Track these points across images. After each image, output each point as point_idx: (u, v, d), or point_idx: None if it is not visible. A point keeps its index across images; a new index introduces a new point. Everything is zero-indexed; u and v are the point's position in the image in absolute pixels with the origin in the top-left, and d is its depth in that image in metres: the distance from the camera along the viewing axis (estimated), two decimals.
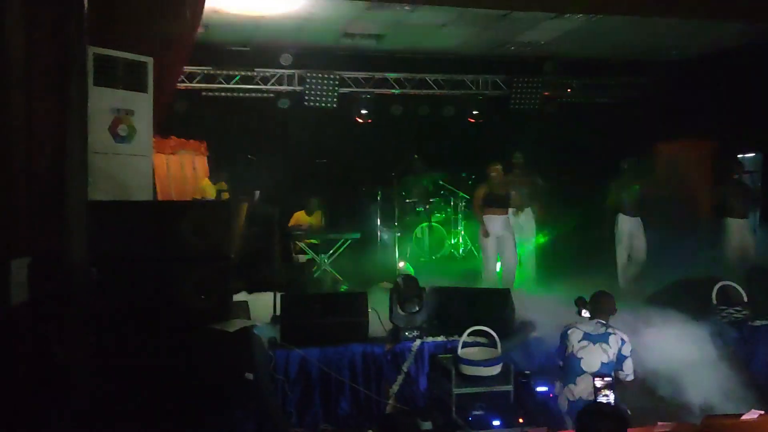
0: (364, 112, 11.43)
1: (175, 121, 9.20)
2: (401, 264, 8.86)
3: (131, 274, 4.75)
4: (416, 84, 11.45)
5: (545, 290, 7.67)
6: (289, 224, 9.77)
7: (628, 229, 8.76)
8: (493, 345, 5.65)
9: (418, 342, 6.03)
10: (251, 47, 10.43)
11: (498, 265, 8.64)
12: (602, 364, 5.08)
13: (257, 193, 9.48)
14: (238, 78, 10.71)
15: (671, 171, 11.16)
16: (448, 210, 11.22)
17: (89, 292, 4.32)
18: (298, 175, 10.76)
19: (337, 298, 6.34)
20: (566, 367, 5.24)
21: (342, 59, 10.79)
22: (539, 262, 9.63)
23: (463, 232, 11.11)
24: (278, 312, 6.17)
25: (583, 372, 5.11)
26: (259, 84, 10.89)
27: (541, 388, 5.66)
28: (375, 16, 8.74)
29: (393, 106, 11.61)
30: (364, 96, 11.30)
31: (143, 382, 4.38)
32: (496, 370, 5.54)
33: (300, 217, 9.96)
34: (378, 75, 11.25)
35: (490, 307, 6.36)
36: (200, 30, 7.37)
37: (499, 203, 8.49)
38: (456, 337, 5.82)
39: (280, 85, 10.94)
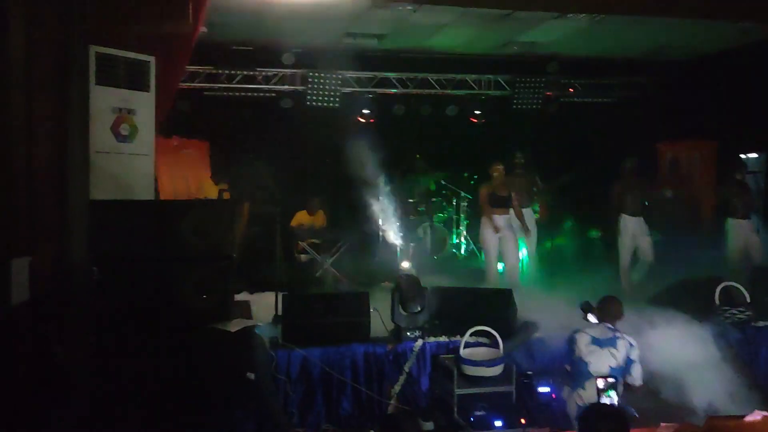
0: (366, 111, 11.42)
1: (178, 120, 9.19)
2: (405, 264, 8.84)
3: (132, 274, 4.75)
4: (418, 84, 11.43)
5: (547, 291, 7.65)
6: (291, 224, 9.77)
7: (631, 229, 8.74)
8: (495, 345, 5.65)
9: (419, 342, 6.02)
10: (254, 47, 10.42)
11: (500, 265, 8.64)
12: (610, 368, 5.03)
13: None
14: (240, 77, 10.71)
15: (673, 171, 11.16)
16: (450, 210, 11.20)
17: (90, 292, 4.32)
18: (300, 175, 10.75)
19: (338, 298, 6.32)
20: (574, 372, 5.18)
21: (344, 59, 10.77)
22: (541, 262, 9.61)
23: (465, 232, 11.10)
24: (280, 312, 6.16)
25: (591, 376, 5.04)
26: (261, 84, 10.88)
27: (543, 389, 5.65)
28: (377, 16, 8.72)
29: (395, 106, 11.60)
30: (366, 96, 11.29)
31: (144, 382, 4.38)
32: (498, 370, 5.54)
33: (302, 217, 9.96)
34: (380, 75, 11.24)
35: (492, 307, 6.36)
36: (203, 29, 7.36)
37: (500, 203, 8.47)
38: (458, 338, 5.82)
39: (283, 84, 10.93)
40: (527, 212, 9.19)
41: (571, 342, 5.24)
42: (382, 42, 10.08)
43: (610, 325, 5.24)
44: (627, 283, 8.59)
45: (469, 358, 5.56)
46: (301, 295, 6.54)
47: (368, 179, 10.64)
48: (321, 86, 10.75)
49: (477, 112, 11.95)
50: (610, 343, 5.12)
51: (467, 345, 5.66)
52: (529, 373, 5.77)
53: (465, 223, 11.12)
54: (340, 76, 10.86)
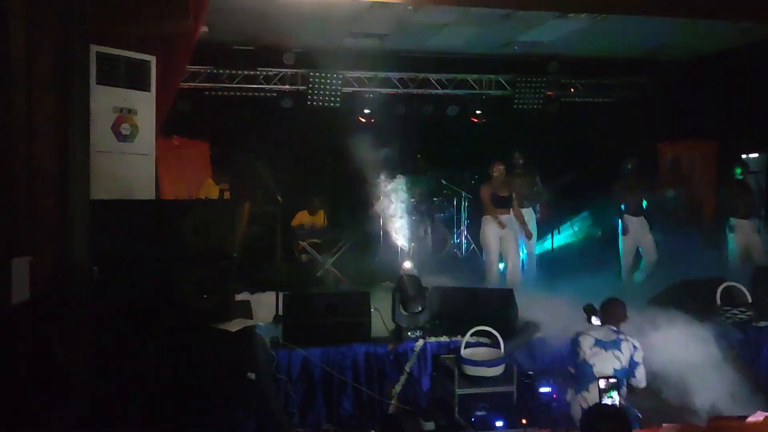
0: (367, 111, 11.41)
1: (178, 120, 9.19)
2: (407, 264, 8.84)
3: (132, 274, 4.74)
4: (419, 83, 11.43)
5: (548, 291, 7.63)
6: (292, 224, 9.76)
7: (632, 229, 8.73)
8: (496, 345, 5.64)
9: (420, 342, 6.01)
10: (255, 46, 10.42)
11: (501, 265, 8.63)
12: (615, 370, 4.99)
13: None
14: (241, 77, 10.70)
15: (674, 171, 11.16)
16: (451, 209, 11.19)
17: (90, 292, 4.32)
18: (301, 175, 10.74)
19: (339, 298, 6.31)
20: (578, 374, 5.14)
21: (345, 59, 10.77)
22: (542, 262, 9.60)
23: (465, 232, 11.09)
24: (280, 312, 6.15)
25: (596, 378, 5.01)
26: (262, 83, 10.88)
27: (544, 389, 5.63)
28: (378, 16, 8.71)
29: (396, 106, 11.60)
30: (367, 95, 11.29)
31: (144, 382, 4.37)
32: (499, 370, 5.53)
33: (303, 217, 9.96)
34: (381, 74, 11.24)
35: (493, 307, 6.35)
36: (203, 29, 7.35)
37: (501, 203, 8.46)
38: (459, 338, 5.82)
39: (284, 84, 10.93)
40: (528, 212, 9.18)
41: (575, 344, 5.20)
42: (383, 42, 10.07)
43: (613, 328, 5.21)
44: (628, 283, 8.58)
45: (470, 358, 5.55)
46: (301, 295, 6.53)
47: (369, 179, 10.64)
48: (322, 86, 10.75)
49: (478, 111, 11.95)
50: (614, 345, 5.08)
51: (468, 345, 5.65)
52: (530, 373, 5.76)
53: (466, 222, 11.11)
54: (340, 76, 10.85)
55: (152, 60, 5.71)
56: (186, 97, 10.11)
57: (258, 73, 10.78)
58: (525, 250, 9.10)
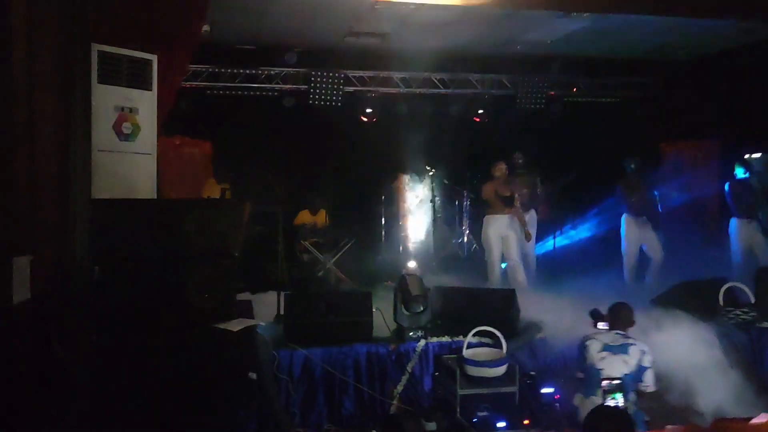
0: (369, 110, 11.39)
1: (180, 119, 9.17)
2: (410, 264, 8.82)
3: (134, 273, 4.72)
4: (421, 83, 11.40)
5: (550, 291, 7.62)
6: (294, 223, 9.75)
7: (635, 229, 8.71)
8: (498, 345, 5.63)
9: (422, 342, 6.00)
10: (256, 45, 10.39)
11: (503, 265, 8.61)
12: (623, 375, 4.95)
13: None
14: (242, 76, 10.70)
15: (677, 171, 11.13)
16: (453, 209, 11.18)
17: (91, 291, 4.31)
18: (303, 174, 10.72)
19: (341, 298, 6.30)
20: (587, 379, 5.10)
21: (347, 58, 10.75)
22: (544, 262, 9.58)
23: (467, 232, 11.07)
24: (282, 311, 6.15)
25: None
26: (263, 83, 10.85)
27: (546, 390, 5.62)
28: (380, 15, 8.70)
29: (398, 105, 11.57)
30: (369, 95, 11.27)
31: (145, 382, 4.36)
32: (501, 370, 5.51)
33: (304, 216, 9.94)
34: (383, 74, 11.21)
35: (495, 307, 6.34)
36: (205, 28, 7.34)
37: (503, 203, 8.45)
38: (461, 338, 5.81)
39: (285, 83, 10.90)
40: (529, 213, 9.13)
41: (583, 349, 5.16)
42: (385, 41, 10.05)
43: (621, 332, 5.17)
44: (630, 283, 8.56)
45: (472, 359, 5.54)
46: (303, 295, 6.53)
47: (371, 178, 10.64)
48: (323, 85, 10.72)
49: (480, 111, 11.92)
50: (622, 349, 5.02)
51: (470, 345, 5.65)
52: (533, 373, 5.75)
53: (468, 222, 11.09)
54: (342, 75, 10.84)
55: (154, 59, 5.71)
56: (187, 96, 10.09)
57: (260, 72, 10.76)
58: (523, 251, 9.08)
